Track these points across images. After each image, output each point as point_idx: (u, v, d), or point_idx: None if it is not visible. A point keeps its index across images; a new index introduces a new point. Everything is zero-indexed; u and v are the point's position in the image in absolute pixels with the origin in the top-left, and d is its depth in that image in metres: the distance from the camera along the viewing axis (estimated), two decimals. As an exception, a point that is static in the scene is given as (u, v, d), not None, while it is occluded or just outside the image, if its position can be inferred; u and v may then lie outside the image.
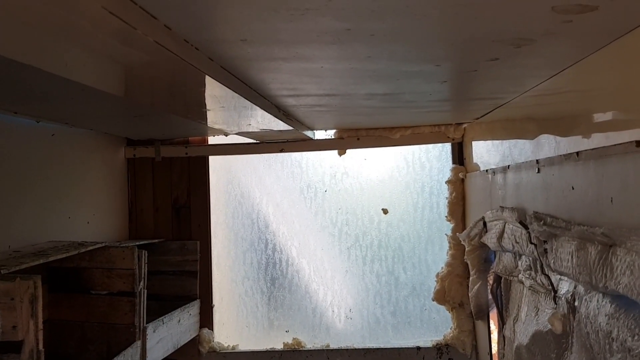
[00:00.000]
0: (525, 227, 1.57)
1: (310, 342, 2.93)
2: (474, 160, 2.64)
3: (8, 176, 1.98)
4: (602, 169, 1.12)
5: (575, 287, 1.31)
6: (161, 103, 1.61)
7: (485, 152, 2.46)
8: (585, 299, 1.19)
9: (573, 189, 1.26)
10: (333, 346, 2.90)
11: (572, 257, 1.20)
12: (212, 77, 1.21)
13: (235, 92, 1.39)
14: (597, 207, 1.13)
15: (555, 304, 1.45)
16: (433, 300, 2.83)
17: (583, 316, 1.19)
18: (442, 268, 2.83)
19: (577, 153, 1.22)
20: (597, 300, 1.13)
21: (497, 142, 2.27)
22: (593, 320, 1.12)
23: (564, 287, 1.39)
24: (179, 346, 2.61)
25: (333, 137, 2.92)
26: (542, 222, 1.37)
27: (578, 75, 1.33)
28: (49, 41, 0.94)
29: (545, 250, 1.39)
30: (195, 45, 1.08)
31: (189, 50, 1.07)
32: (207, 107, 1.69)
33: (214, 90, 1.39)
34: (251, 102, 1.55)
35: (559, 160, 1.35)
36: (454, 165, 2.82)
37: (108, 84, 1.29)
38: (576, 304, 1.27)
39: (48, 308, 2.22)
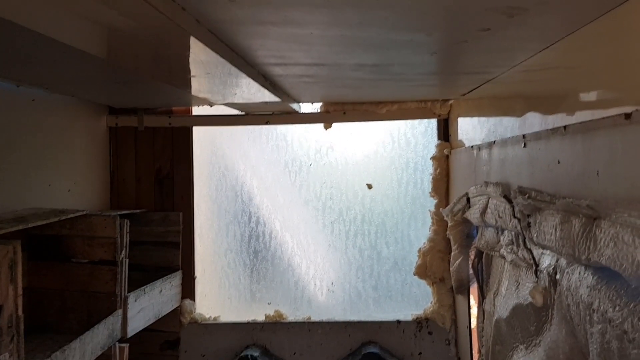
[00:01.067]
0: (510, 201, 1.58)
1: (292, 315, 2.95)
2: (459, 137, 2.64)
3: (-14, 141, 1.94)
4: (590, 143, 1.12)
5: (557, 261, 1.32)
6: (145, 68, 1.58)
7: (470, 129, 2.46)
8: (567, 272, 1.20)
9: (559, 163, 1.27)
10: (314, 319, 2.92)
11: (555, 230, 1.21)
12: (199, 40, 1.18)
13: (222, 57, 1.36)
14: (582, 181, 1.14)
15: (537, 277, 1.46)
16: (414, 275, 2.86)
17: (564, 288, 1.20)
18: (424, 243, 2.85)
19: (565, 127, 1.22)
20: (579, 273, 1.14)
21: (483, 119, 2.27)
22: (574, 293, 1.14)
23: (546, 261, 1.40)
24: (160, 316, 2.60)
25: (319, 110, 2.90)
26: (526, 196, 1.38)
27: (567, 50, 1.33)
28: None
29: (529, 224, 1.40)
30: (182, 4, 1.05)
31: (176, 10, 1.05)
32: (192, 74, 1.66)
33: (199, 55, 1.36)
34: (238, 69, 1.52)
35: (545, 134, 1.36)
36: (439, 142, 2.83)
37: (91, 44, 1.26)
38: (558, 277, 1.28)
39: (28, 276, 2.19)
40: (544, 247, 1.34)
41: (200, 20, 1.15)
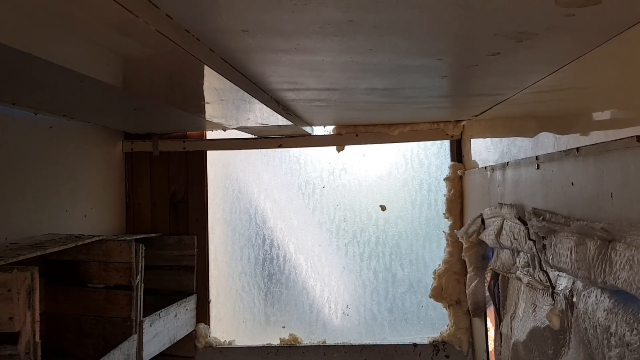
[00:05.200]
0: (524, 223, 1.57)
1: (307, 338, 2.93)
2: (473, 158, 2.64)
3: (5, 168, 1.97)
4: (602, 165, 1.12)
5: (573, 283, 1.31)
6: (160, 95, 1.61)
7: (483, 150, 2.46)
8: (584, 295, 1.19)
9: (573, 184, 1.26)
10: (329, 342, 2.90)
11: (570, 252, 1.20)
12: (213, 69, 1.21)
13: (235, 84, 1.38)
14: (596, 203, 1.13)
15: (553, 300, 1.45)
16: (430, 297, 2.83)
17: (581, 312, 1.19)
18: (439, 265, 2.83)
19: (577, 149, 1.22)
20: (596, 296, 1.13)
21: (496, 139, 2.27)
22: (591, 316, 1.13)
23: (562, 283, 1.39)
24: (175, 340, 2.60)
25: (332, 133, 2.91)
26: (541, 218, 1.38)
27: (578, 72, 1.33)
28: (50, 31, 0.94)
29: (544, 246, 1.39)
30: (197, 35, 1.07)
31: (190, 41, 1.07)
32: (207, 100, 1.68)
33: (213, 83, 1.38)
34: (251, 95, 1.54)
35: (558, 156, 1.35)
36: (452, 163, 2.83)
37: (108, 74, 1.29)
38: (574, 299, 1.27)
39: (45, 301, 2.21)
40: (559, 269, 1.33)
41: (214, 50, 1.18)
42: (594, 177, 1.15)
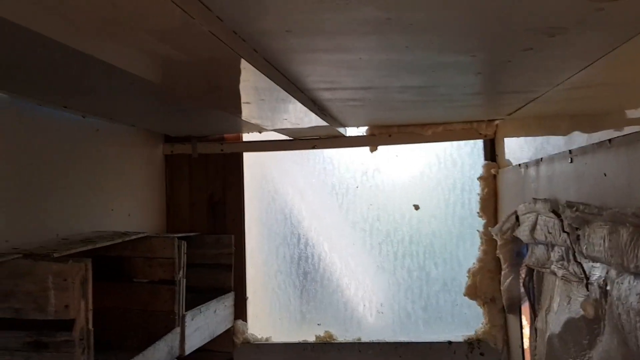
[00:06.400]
0: (558, 216, 1.60)
1: (342, 336, 2.98)
2: (506, 157, 2.66)
3: (55, 168, 2.08)
4: (633, 154, 1.15)
5: (607, 272, 1.33)
6: (202, 95, 1.69)
7: (517, 148, 2.48)
8: (617, 282, 1.22)
9: (605, 175, 1.29)
10: (364, 340, 2.95)
11: (604, 241, 1.23)
12: (256, 68, 1.28)
13: (276, 84, 1.45)
14: (628, 192, 1.16)
15: (588, 290, 1.47)
16: (464, 296, 2.85)
17: (615, 298, 1.22)
18: (473, 263, 2.85)
19: (609, 140, 1.25)
20: (629, 282, 1.16)
21: (529, 138, 2.29)
22: (624, 301, 1.15)
23: (596, 273, 1.42)
24: (215, 335, 2.68)
25: (365, 133, 2.97)
26: (574, 209, 1.41)
27: (610, 67, 1.36)
28: (105, 32, 1.02)
29: (578, 237, 1.42)
30: (243, 36, 1.15)
31: (237, 42, 1.14)
32: (246, 100, 1.76)
33: (254, 82, 1.46)
34: (290, 94, 1.61)
35: (591, 148, 1.38)
36: (486, 162, 2.85)
37: (156, 74, 1.37)
38: (608, 288, 1.30)
39: (92, 295, 2.31)
40: (593, 259, 1.36)
41: (257, 50, 1.25)
42: (626, 166, 1.18)
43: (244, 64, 1.24)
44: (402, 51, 1.23)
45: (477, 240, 2.85)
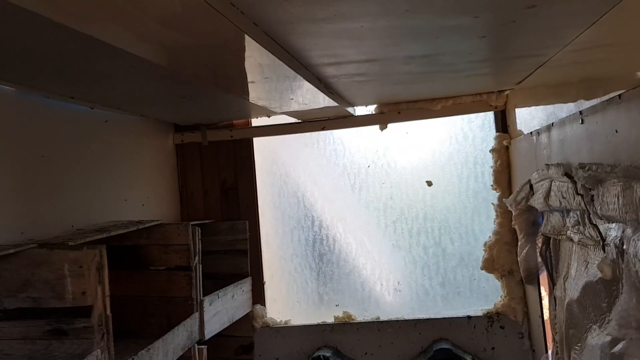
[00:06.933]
0: (571, 178, 1.58)
1: (361, 315, 2.99)
2: (518, 127, 2.62)
3: (66, 160, 2.10)
4: (645, 107, 1.12)
5: (623, 232, 1.31)
6: (206, 75, 1.68)
7: (529, 118, 2.45)
8: (633, 239, 1.20)
9: (617, 132, 1.27)
10: (383, 318, 2.95)
11: (618, 198, 1.21)
12: (257, 42, 1.27)
13: (278, 58, 1.44)
14: (641, 146, 1.14)
15: (605, 252, 1.45)
16: (482, 270, 2.84)
17: (631, 255, 1.20)
18: (489, 237, 2.83)
19: (619, 95, 1.23)
20: (646, 238, 1.14)
21: (540, 107, 2.25)
22: (642, 257, 1.13)
23: (612, 234, 1.39)
24: (233, 320, 2.70)
25: (374, 112, 2.95)
26: (587, 169, 1.38)
27: (616, 24, 1.33)
28: (105, 13, 1.02)
29: (592, 198, 1.40)
30: (241, 8, 1.14)
31: (236, 14, 1.13)
32: (251, 79, 1.75)
33: (257, 58, 1.45)
34: (294, 70, 1.60)
35: (601, 106, 1.36)
36: (497, 134, 2.82)
37: (157, 54, 1.36)
38: (624, 247, 1.27)
39: (110, 284, 2.33)
40: (608, 218, 1.34)
41: (257, 23, 1.24)
42: (637, 120, 1.15)
43: (244, 38, 1.23)
44: (403, 15, 1.21)
45: (493, 214, 2.83)
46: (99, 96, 2.07)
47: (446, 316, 2.90)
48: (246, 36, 1.23)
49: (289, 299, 3.08)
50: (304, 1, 1.10)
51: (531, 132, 2.23)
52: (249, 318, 2.95)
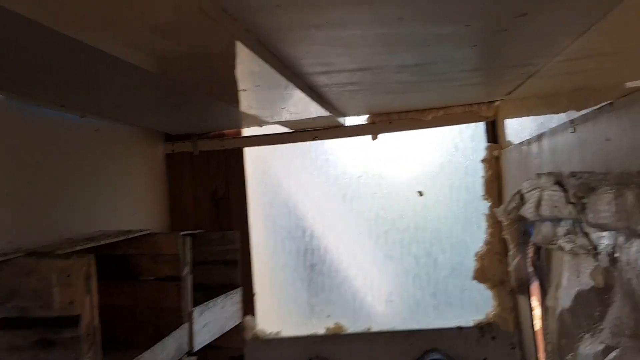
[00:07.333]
0: (562, 186, 1.58)
1: (352, 326, 2.97)
2: (507, 138, 2.64)
3: (55, 170, 2.08)
4: (636, 115, 1.13)
5: (615, 240, 1.31)
6: (197, 82, 1.67)
7: (519, 129, 2.46)
8: (625, 247, 1.20)
9: (608, 140, 1.27)
10: (375, 329, 2.93)
11: (610, 206, 1.21)
12: (249, 49, 1.27)
13: (271, 66, 1.44)
14: (633, 153, 1.14)
15: (596, 261, 1.45)
16: (473, 280, 2.84)
17: (624, 264, 1.20)
18: (480, 247, 2.83)
19: (611, 103, 1.23)
20: (637, 245, 1.14)
21: (530, 118, 2.27)
22: (634, 265, 1.13)
23: (604, 242, 1.40)
24: (224, 331, 2.67)
25: (365, 122, 2.95)
26: (578, 178, 1.39)
27: (607, 34, 1.34)
28: (102, 20, 1.01)
29: (584, 207, 1.40)
30: (233, 15, 1.13)
31: (228, 21, 1.13)
32: (242, 87, 1.74)
33: (249, 65, 1.44)
34: (285, 78, 1.60)
35: (592, 115, 1.37)
36: (488, 144, 2.83)
37: (147, 61, 1.36)
38: (617, 255, 1.28)
39: (99, 295, 2.30)
40: (600, 227, 1.34)
41: (249, 30, 1.24)
42: (628, 128, 1.16)
43: (236, 45, 1.23)
44: (395, 23, 1.21)
45: (484, 224, 2.84)
46: (89, 104, 2.05)
47: (438, 327, 2.88)
48: (238, 43, 1.22)
49: (280, 310, 3.06)
50: (296, 8, 1.10)
51: (522, 142, 2.24)
52: (239, 329, 2.91)
